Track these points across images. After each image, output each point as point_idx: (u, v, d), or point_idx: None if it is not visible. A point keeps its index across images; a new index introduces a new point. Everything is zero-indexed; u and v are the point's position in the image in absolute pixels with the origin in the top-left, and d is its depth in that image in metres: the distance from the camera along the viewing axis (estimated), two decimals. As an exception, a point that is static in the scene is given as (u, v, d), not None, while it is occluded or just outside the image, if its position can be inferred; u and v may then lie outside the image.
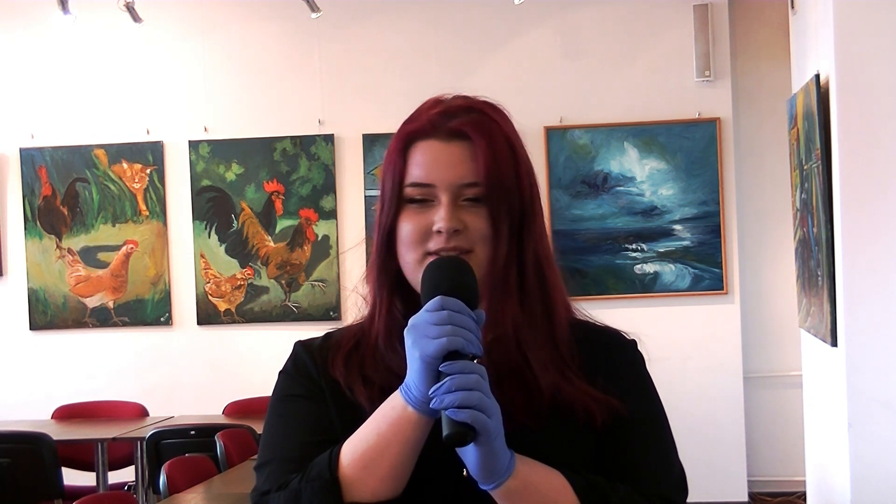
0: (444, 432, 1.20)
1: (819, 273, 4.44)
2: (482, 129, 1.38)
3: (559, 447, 1.35)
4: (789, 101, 5.29)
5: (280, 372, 1.47)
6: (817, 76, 4.35)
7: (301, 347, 1.48)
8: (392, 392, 1.29)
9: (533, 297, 1.40)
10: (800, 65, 5.23)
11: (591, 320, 1.48)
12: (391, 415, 1.28)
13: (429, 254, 1.36)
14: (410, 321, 1.26)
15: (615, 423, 1.38)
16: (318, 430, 1.38)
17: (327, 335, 1.49)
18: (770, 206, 6.80)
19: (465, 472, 1.28)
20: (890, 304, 4.01)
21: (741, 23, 6.87)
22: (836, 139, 4.08)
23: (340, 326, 1.51)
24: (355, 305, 1.49)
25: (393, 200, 1.39)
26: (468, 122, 1.38)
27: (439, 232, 1.35)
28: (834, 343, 4.18)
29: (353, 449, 1.30)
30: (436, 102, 1.43)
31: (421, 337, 1.23)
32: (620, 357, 1.46)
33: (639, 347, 1.49)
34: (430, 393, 1.21)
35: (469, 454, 1.24)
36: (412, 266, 1.37)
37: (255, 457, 4.74)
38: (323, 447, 1.33)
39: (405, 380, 1.27)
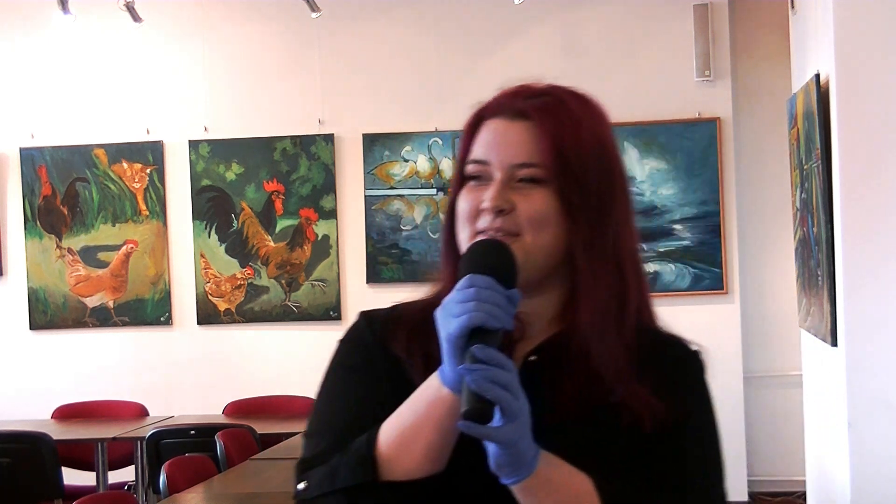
0: (463, 408, 1.17)
1: (819, 273, 4.44)
2: (547, 112, 1.35)
3: (599, 447, 1.32)
4: (789, 101, 5.29)
5: (338, 341, 1.46)
6: (817, 76, 4.35)
7: (363, 318, 1.46)
8: None
9: (608, 290, 1.35)
10: (800, 65, 5.23)
11: (658, 328, 1.42)
12: (427, 395, 1.27)
13: (479, 232, 1.34)
14: (442, 301, 1.25)
15: (665, 433, 1.33)
16: (369, 405, 1.36)
17: (394, 307, 1.46)
18: (770, 206, 6.80)
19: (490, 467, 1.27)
20: (890, 304, 4.01)
21: (741, 23, 6.88)
22: (836, 139, 4.08)
23: (409, 299, 1.47)
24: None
25: (456, 177, 1.39)
26: (535, 104, 1.36)
27: (486, 210, 1.34)
28: (834, 343, 4.18)
29: (391, 428, 1.29)
30: (518, 86, 1.41)
31: (446, 316, 1.23)
32: (680, 368, 1.40)
33: (701, 357, 1.42)
34: (458, 368, 1.20)
35: (491, 449, 1.22)
36: (465, 244, 1.35)
37: (257, 455, 4.76)
38: (372, 423, 1.32)
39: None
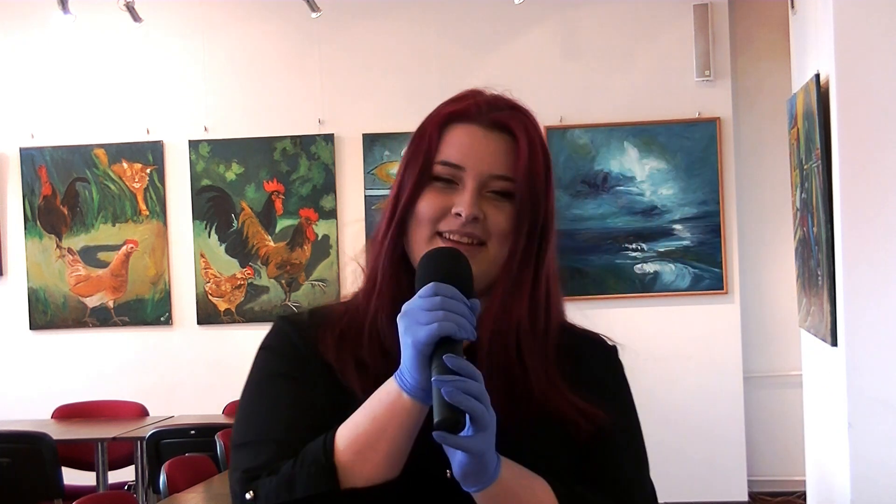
0: (437, 418, 1.17)
1: (819, 273, 4.44)
2: (526, 128, 1.39)
3: (540, 453, 1.35)
4: (789, 101, 5.29)
5: (261, 348, 1.45)
6: (817, 76, 4.35)
7: (287, 324, 1.45)
8: (387, 379, 1.28)
9: (539, 304, 1.39)
10: (800, 65, 5.23)
11: (573, 324, 1.47)
12: (386, 400, 1.26)
13: (439, 233, 1.36)
14: (403, 307, 1.25)
15: (596, 434, 1.37)
16: (305, 412, 1.36)
17: (313, 312, 1.47)
18: (770, 206, 6.80)
19: (448, 474, 1.28)
20: (890, 304, 4.01)
21: (741, 23, 6.88)
22: (836, 139, 4.08)
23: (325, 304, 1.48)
24: (353, 274, 1.48)
25: (420, 175, 1.38)
26: (514, 118, 1.39)
27: (458, 215, 1.34)
28: (834, 343, 4.18)
29: (347, 434, 1.28)
30: (479, 92, 1.44)
31: (413, 323, 1.22)
32: (602, 366, 1.46)
33: (619, 355, 1.48)
34: (432, 379, 1.19)
35: (458, 457, 1.23)
36: (420, 243, 1.36)
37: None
38: (309, 430, 1.31)
39: (400, 366, 1.25)
